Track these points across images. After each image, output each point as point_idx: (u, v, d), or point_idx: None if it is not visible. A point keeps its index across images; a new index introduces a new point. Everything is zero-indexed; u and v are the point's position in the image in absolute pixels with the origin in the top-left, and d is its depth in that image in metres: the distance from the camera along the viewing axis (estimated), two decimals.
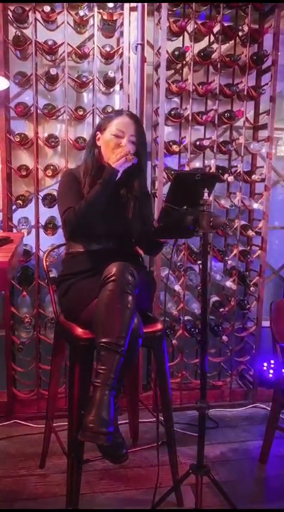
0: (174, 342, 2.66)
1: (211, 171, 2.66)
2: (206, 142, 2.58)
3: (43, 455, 2.24)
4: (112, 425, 1.56)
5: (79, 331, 1.82)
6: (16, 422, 2.62)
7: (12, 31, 2.44)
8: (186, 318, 2.78)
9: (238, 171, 2.71)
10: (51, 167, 2.52)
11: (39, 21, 2.45)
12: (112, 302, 1.66)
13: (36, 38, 2.44)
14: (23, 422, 2.62)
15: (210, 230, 1.48)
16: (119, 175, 1.85)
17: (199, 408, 1.61)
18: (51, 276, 2.42)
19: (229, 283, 2.70)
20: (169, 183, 1.67)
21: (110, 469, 2.22)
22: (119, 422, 2.49)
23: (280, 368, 2.24)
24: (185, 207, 1.56)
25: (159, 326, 1.93)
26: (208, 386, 2.82)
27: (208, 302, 2.77)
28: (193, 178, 1.53)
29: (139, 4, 2.50)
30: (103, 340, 1.63)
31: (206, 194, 1.50)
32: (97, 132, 1.98)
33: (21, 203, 2.50)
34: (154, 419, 2.01)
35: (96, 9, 2.45)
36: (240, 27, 2.60)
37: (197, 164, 2.79)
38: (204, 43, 2.68)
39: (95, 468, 2.22)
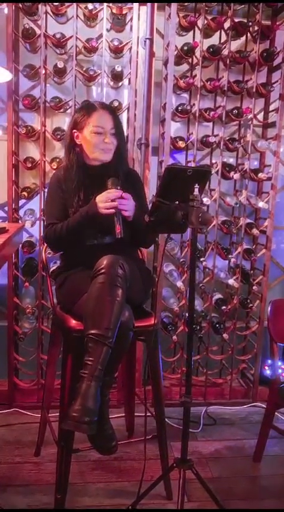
0: (174, 337, 2.66)
1: (218, 168, 2.65)
2: (212, 139, 2.57)
3: (38, 444, 2.28)
4: (96, 416, 1.58)
5: (72, 322, 1.84)
6: (16, 411, 2.67)
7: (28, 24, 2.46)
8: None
9: (244, 168, 2.69)
10: (57, 160, 2.55)
11: (50, 14, 2.47)
12: (102, 295, 1.68)
13: (45, 31, 2.46)
14: (23, 411, 2.66)
15: (198, 226, 1.49)
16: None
17: (183, 403, 1.61)
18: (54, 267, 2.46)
19: (231, 281, 2.69)
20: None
21: (104, 460, 2.24)
22: (116, 416, 2.54)
23: (277, 367, 2.23)
24: (177, 202, 1.56)
25: (153, 320, 1.93)
26: (208, 383, 2.84)
27: (211, 300, 2.76)
28: (185, 173, 1.53)
29: None
30: (91, 331, 1.65)
31: (197, 190, 1.50)
32: (74, 131, 1.97)
33: (26, 195, 2.53)
34: (149, 413, 2.02)
35: (105, 3, 2.45)
36: (251, 23, 2.57)
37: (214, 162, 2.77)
38: (215, 39, 2.67)
39: (89, 459, 2.26)
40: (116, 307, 1.68)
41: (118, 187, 1.83)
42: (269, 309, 2.22)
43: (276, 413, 2.64)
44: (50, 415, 2.22)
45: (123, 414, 2.51)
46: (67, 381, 1.82)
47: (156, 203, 1.55)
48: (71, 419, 1.55)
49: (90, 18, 2.50)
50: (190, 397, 1.62)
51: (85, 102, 2.08)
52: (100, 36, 2.52)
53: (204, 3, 2.51)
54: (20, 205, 2.71)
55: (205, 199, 2.55)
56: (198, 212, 1.47)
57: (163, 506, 1.96)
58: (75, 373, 1.76)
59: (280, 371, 2.79)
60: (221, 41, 2.64)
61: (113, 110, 2.02)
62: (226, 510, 1.85)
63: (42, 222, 2.57)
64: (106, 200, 1.81)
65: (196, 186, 1.50)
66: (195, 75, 2.60)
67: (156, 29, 2.61)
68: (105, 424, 1.78)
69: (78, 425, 1.54)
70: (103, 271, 1.71)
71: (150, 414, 2.01)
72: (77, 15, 2.46)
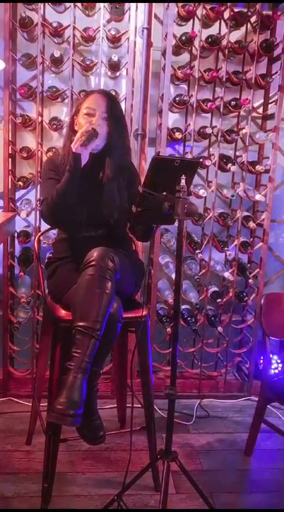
0: (168, 329, 2.65)
1: (215, 159, 2.63)
2: (208, 130, 2.54)
3: (29, 432, 2.29)
4: (82, 408, 1.58)
5: (62, 312, 1.84)
6: (10, 400, 2.68)
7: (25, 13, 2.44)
8: (184, 306, 2.77)
9: (242, 161, 2.67)
10: (53, 149, 2.53)
11: (48, 4, 2.45)
12: (91, 287, 1.68)
13: (43, 20, 2.44)
14: (17, 400, 2.67)
15: (184, 217, 1.47)
16: (86, 158, 1.84)
17: (167, 395, 1.60)
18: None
19: (227, 274, 2.68)
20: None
21: (94, 450, 2.25)
22: (109, 406, 2.55)
23: (269, 361, 2.21)
24: (165, 193, 1.55)
25: (143, 312, 1.92)
26: (203, 376, 2.84)
27: (207, 292, 2.75)
28: (172, 163, 1.52)
29: None
30: (79, 324, 1.65)
31: (183, 180, 1.49)
32: (74, 117, 1.96)
33: (21, 184, 2.52)
34: (140, 405, 2.03)
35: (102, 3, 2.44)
36: (250, 13, 2.53)
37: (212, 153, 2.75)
38: (216, 29, 2.63)
39: (80, 449, 2.26)
40: (105, 300, 1.67)
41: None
42: (262, 302, 2.20)
43: (270, 407, 2.65)
44: (41, 404, 2.23)
45: (115, 405, 2.51)
46: (55, 371, 1.82)
47: (142, 193, 1.53)
48: (55, 412, 1.55)
49: (88, 8, 2.48)
50: (175, 389, 1.61)
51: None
52: (98, 25, 2.50)
53: None
54: (20, 195, 2.70)
55: (201, 191, 2.53)
56: (184, 203, 1.46)
57: (150, 498, 1.97)
58: (64, 363, 1.77)
59: (275, 365, 2.79)
60: (221, 31, 2.61)
61: (111, 97, 1.98)
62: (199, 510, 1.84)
63: (37, 212, 2.57)
64: (76, 140, 1.82)
65: (183, 177, 1.48)
66: (193, 66, 2.57)
67: (156, 15, 2.60)
68: (92, 414, 1.78)
69: (63, 418, 1.54)
70: (93, 263, 1.70)
71: (140, 405, 2.02)
72: (75, 5, 2.44)
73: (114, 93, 2.50)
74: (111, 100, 1.95)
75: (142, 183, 1.57)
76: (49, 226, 2.33)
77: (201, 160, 2.60)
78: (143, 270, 2.05)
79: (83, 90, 2.52)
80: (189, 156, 2.65)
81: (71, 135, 1.96)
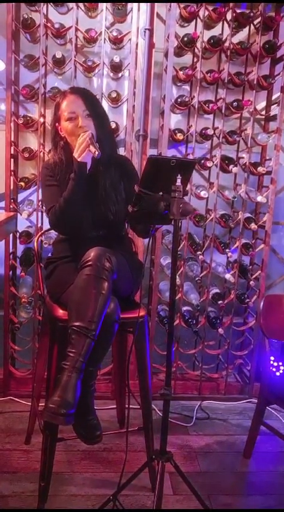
0: None
1: (217, 161, 2.62)
2: (210, 132, 2.54)
3: (29, 432, 2.30)
4: (74, 408, 1.58)
5: (59, 312, 1.85)
6: (11, 399, 2.69)
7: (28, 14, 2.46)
8: (185, 308, 2.76)
9: (244, 162, 2.66)
10: None
11: (50, 4, 2.46)
12: (87, 287, 1.68)
13: (46, 21, 2.46)
14: (17, 400, 2.68)
15: (179, 217, 1.47)
16: (89, 163, 1.86)
17: (162, 395, 1.60)
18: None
19: (228, 276, 2.67)
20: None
21: (93, 450, 2.26)
22: (107, 407, 2.55)
23: (268, 363, 2.20)
24: (161, 193, 1.55)
25: (140, 312, 1.91)
26: (204, 377, 2.83)
27: (208, 294, 2.74)
28: (168, 164, 1.51)
29: None
30: (75, 323, 1.65)
31: (179, 180, 1.49)
32: (57, 124, 1.96)
33: (23, 185, 2.53)
34: (139, 406, 2.02)
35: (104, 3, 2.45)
36: (252, 14, 2.52)
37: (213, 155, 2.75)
38: (219, 30, 2.63)
39: (78, 449, 2.27)
40: (101, 300, 1.68)
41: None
42: (261, 304, 2.19)
43: (271, 410, 2.64)
44: (40, 404, 2.23)
45: (114, 406, 2.51)
46: (53, 371, 1.82)
47: (138, 193, 1.53)
48: (48, 411, 1.56)
49: (91, 9, 2.49)
50: (170, 389, 1.60)
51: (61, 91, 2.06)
52: (101, 27, 2.50)
53: None
54: (22, 196, 2.72)
55: (203, 193, 2.53)
56: (179, 203, 1.46)
57: (147, 498, 1.97)
58: (60, 363, 1.78)
59: (278, 366, 2.77)
60: (224, 33, 2.60)
61: (85, 93, 1.97)
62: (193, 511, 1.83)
63: (39, 213, 2.58)
64: (78, 147, 1.83)
65: (179, 176, 1.48)
66: (196, 67, 2.57)
67: (159, 15, 2.60)
68: (89, 414, 1.77)
69: (55, 417, 1.55)
70: (90, 263, 1.71)
71: (139, 406, 2.01)
72: (78, 6, 2.45)
73: (115, 95, 2.51)
74: (87, 97, 1.94)
75: (139, 182, 1.57)
76: (49, 227, 2.34)
77: (202, 161, 2.60)
78: (142, 270, 2.04)
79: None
80: (190, 157, 2.64)
81: (58, 141, 1.97)
